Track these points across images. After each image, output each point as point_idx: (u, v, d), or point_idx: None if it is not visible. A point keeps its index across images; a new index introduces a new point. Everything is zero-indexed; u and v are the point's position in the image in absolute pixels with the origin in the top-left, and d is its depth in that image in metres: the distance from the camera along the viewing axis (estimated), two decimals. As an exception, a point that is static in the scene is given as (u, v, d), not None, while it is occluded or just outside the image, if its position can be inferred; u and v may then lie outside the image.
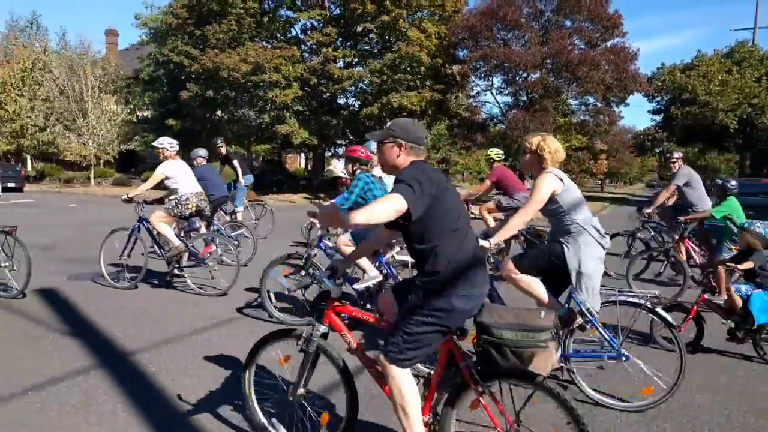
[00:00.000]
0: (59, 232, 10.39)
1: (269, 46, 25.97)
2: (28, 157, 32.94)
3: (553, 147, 3.69)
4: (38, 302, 5.64)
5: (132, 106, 30.85)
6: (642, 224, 8.29)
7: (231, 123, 26.80)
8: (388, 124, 2.67)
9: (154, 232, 6.48)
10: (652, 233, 8.50)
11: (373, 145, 6.16)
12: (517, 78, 24.90)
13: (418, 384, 2.50)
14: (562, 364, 3.63)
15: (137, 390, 3.54)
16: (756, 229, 4.65)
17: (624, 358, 3.48)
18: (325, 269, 2.95)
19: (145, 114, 31.28)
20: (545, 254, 3.72)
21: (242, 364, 2.94)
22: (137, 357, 4.12)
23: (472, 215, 6.91)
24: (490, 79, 26.18)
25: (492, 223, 7.33)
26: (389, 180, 5.75)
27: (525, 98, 25.38)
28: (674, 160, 7.57)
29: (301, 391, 2.77)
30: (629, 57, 23.77)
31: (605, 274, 6.85)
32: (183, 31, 25.91)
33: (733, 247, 6.11)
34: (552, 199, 3.60)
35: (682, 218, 7.05)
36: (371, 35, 27.39)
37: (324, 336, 2.72)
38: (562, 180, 3.62)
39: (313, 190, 28.50)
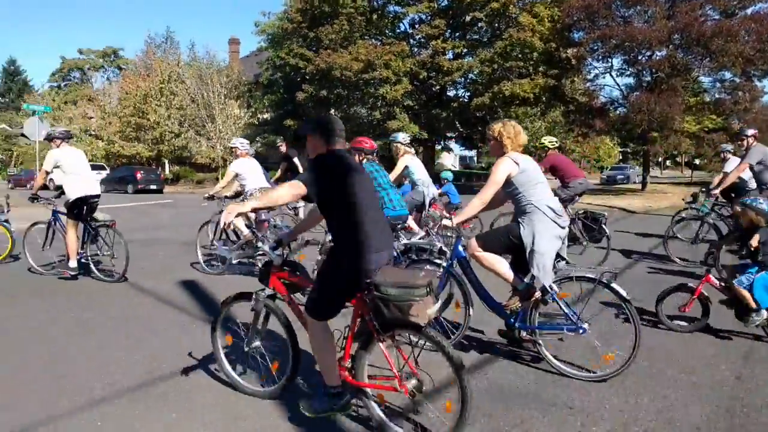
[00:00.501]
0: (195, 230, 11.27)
1: (379, 43, 26.40)
2: (166, 162, 36.20)
3: (512, 132, 3.93)
4: (182, 293, 6.14)
5: (253, 110, 32.84)
6: (711, 207, 7.77)
7: (344, 121, 27.37)
8: (312, 119, 3.19)
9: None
10: (721, 217, 7.95)
11: (400, 137, 6.92)
12: (639, 57, 23.13)
13: (341, 335, 2.97)
14: (526, 334, 3.89)
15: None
16: (759, 206, 4.53)
17: (581, 330, 3.64)
18: (272, 242, 3.36)
19: (265, 116, 33.15)
20: (506, 233, 3.97)
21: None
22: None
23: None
24: (609, 60, 24.55)
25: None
26: (417, 165, 6.83)
27: (649, 78, 23.50)
28: (746, 136, 7.21)
29: (256, 343, 3.33)
30: (775, 23, 21.24)
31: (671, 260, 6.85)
32: (297, 35, 27.07)
33: None
34: (508, 182, 3.84)
35: None
36: (480, 24, 26.88)
37: (271, 297, 3.23)
38: (518, 163, 3.83)
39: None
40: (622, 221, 13.25)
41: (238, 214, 2.84)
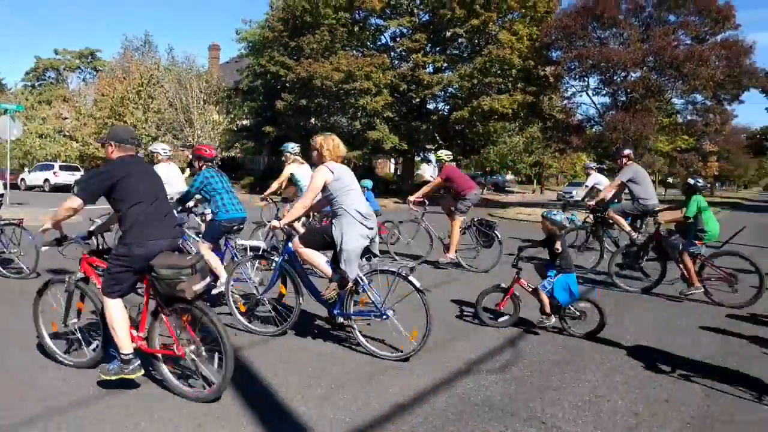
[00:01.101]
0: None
1: (360, 55, 26.54)
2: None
3: (331, 145, 4.51)
4: None
5: (232, 116, 32.64)
6: (587, 219, 9.09)
7: (324, 130, 27.47)
8: (109, 130, 3.81)
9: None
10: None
11: (290, 147, 7.93)
12: (615, 78, 23.72)
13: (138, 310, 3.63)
14: (344, 320, 4.52)
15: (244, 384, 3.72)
16: (553, 217, 5.17)
17: (385, 317, 4.29)
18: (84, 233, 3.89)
19: (244, 123, 32.99)
20: (322, 233, 4.59)
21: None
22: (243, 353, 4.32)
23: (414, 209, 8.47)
24: (586, 79, 25.14)
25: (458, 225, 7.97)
26: (303, 173, 7.59)
27: (624, 98, 24.10)
28: (621, 156, 7.96)
29: (73, 320, 3.87)
30: (743, 51, 22.00)
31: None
32: (279, 43, 27.07)
33: (697, 242, 6.33)
34: (325, 188, 4.43)
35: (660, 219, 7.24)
36: (461, 40, 27.24)
37: (84, 281, 3.75)
38: (333, 171, 4.40)
39: (403, 194, 28.68)
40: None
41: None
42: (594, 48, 22.56)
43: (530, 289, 5.14)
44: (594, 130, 26.01)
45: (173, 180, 7.48)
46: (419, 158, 35.37)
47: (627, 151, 7.94)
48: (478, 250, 8.07)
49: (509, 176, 52.99)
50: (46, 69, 57.64)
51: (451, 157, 8.44)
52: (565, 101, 27.21)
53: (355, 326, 4.47)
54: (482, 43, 26.24)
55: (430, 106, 29.13)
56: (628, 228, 7.60)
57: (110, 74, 37.22)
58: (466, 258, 8.12)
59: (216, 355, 3.42)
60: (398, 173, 38.12)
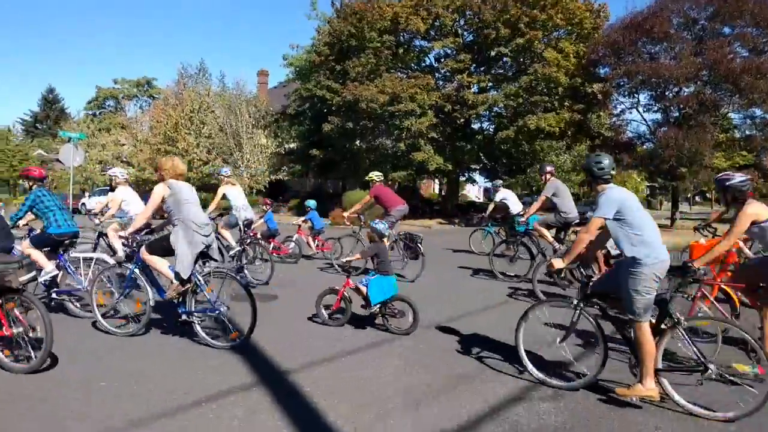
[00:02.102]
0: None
1: (405, 76, 26.76)
2: (194, 189, 36.85)
3: (170, 165, 5.34)
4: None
5: (280, 140, 33.35)
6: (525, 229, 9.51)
7: (369, 152, 27.86)
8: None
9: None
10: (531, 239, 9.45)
11: (223, 171, 9.49)
12: (666, 93, 23.02)
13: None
14: (186, 317, 5.21)
15: (295, 408, 3.74)
16: (375, 225, 6.14)
17: (218, 312, 5.07)
18: None
19: (291, 146, 33.65)
20: (165, 240, 5.21)
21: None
22: (292, 376, 4.35)
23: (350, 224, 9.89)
24: (636, 96, 24.50)
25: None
26: (235, 193, 9.10)
27: (677, 114, 23.32)
28: (545, 173, 8.70)
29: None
30: (805, 62, 21.01)
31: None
32: (325, 67, 27.62)
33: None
34: (164, 201, 5.17)
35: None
36: (505, 59, 27.13)
37: None
38: (170, 188, 5.16)
39: (447, 215, 28.54)
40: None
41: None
42: (644, 63, 21.98)
43: (353, 287, 5.86)
44: (645, 147, 25.23)
45: (131, 201, 8.42)
46: (464, 178, 35.17)
47: (549, 168, 8.72)
48: (405, 262, 9.20)
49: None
50: (106, 98, 60.59)
51: (381, 177, 9.74)
52: (614, 118, 26.55)
53: (196, 321, 5.21)
54: (527, 61, 26.05)
55: (475, 126, 29.00)
56: (551, 239, 8.36)
57: (165, 101, 38.80)
58: (395, 269, 8.65)
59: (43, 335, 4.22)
60: (442, 194, 37.94)
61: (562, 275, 7.45)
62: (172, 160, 5.42)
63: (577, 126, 25.31)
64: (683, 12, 22.20)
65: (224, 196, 9.02)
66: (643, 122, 25.41)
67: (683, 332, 3.85)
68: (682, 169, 22.68)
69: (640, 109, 24.89)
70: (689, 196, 60.42)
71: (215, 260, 5.49)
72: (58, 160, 32.54)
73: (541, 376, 4.31)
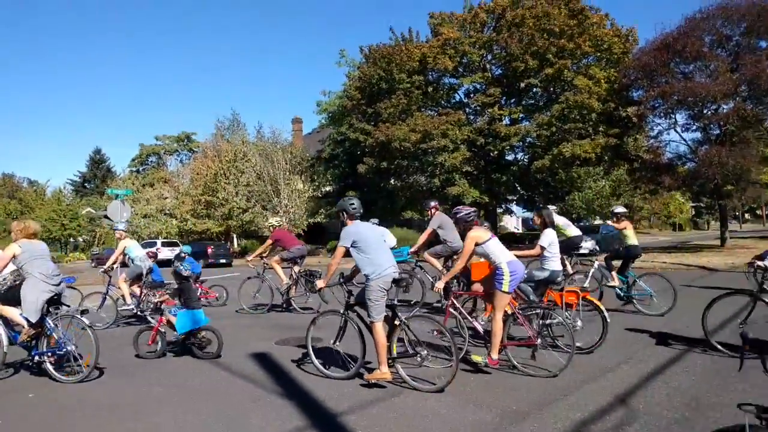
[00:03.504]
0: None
1: (436, 114, 27.10)
2: (235, 236, 37.63)
3: (21, 227, 6.02)
4: (254, 365, 6.22)
5: (316, 184, 33.91)
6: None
7: (404, 189, 28.06)
8: None
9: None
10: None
11: (120, 226, 10.07)
12: (705, 111, 22.55)
13: None
14: (38, 358, 5.77)
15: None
16: (175, 268, 6.82)
17: (65, 350, 5.64)
18: None
19: (327, 189, 34.16)
20: (11, 293, 5.93)
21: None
22: (344, 418, 4.31)
23: (268, 266, 10.47)
24: (672, 116, 24.05)
25: (281, 272, 10.05)
26: (134, 245, 9.61)
27: (718, 132, 22.77)
28: (429, 208, 9.24)
29: None
30: None
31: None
32: (357, 111, 28.24)
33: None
34: (14, 257, 5.78)
35: None
36: (535, 89, 27.24)
37: None
38: (20, 247, 5.79)
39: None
40: (700, 280, 12.48)
41: None
42: (678, 83, 21.66)
43: (165, 321, 6.51)
44: (687, 167, 24.63)
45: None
46: (501, 210, 34.94)
47: (433, 203, 9.22)
48: (307, 295, 9.91)
49: (597, 222, 50.96)
50: (148, 154, 62.99)
51: (281, 223, 10.98)
52: (652, 140, 26.07)
53: (46, 360, 5.72)
54: (558, 90, 26.07)
55: (509, 158, 28.95)
56: (440, 267, 8.95)
57: (203, 154, 40.10)
58: (298, 303, 10.00)
59: None
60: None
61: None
62: (24, 223, 6.12)
63: (613, 150, 24.97)
64: (715, 29, 21.92)
65: (126, 249, 9.49)
66: (683, 142, 24.87)
67: (408, 328, 5.08)
68: (728, 187, 21.99)
69: (678, 129, 24.39)
70: (738, 214, 58.28)
71: (66, 305, 6.20)
72: (105, 217, 33.84)
73: (323, 369, 5.50)
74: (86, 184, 62.76)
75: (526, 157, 28.26)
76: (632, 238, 8.73)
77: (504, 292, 5.35)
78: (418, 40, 28.30)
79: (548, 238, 6.29)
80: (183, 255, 11.03)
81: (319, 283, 5.49)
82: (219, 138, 39.25)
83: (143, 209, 37.90)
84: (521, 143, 27.29)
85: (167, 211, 38.33)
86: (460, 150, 25.01)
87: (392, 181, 28.75)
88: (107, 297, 9.56)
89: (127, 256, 9.57)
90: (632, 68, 23.18)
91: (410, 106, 26.22)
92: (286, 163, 32.22)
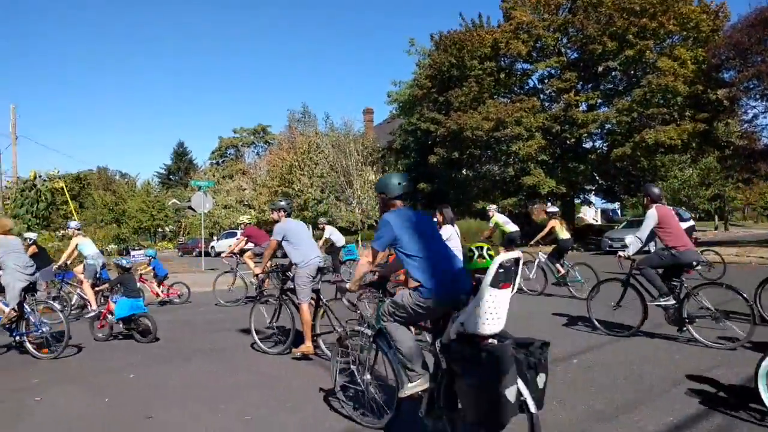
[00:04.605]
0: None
1: (509, 101, 26.47)
2: (310, 226, 38.58)
3: None
4: (278, 369, 5.90)
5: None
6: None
7: (477, 180, 27.65)
8: None
9: None
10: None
11: (72, 224, 10.00)
12: (808, 91, 20.74)
13: None
14: (18, 338, 6.83)
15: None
16: (116, 261, 8.29)
17: (40, 330, 6.68)
18: None
19: (399, 180, 34.24)
20: None
21: None
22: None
23: (242, 261, 11.11)
24: (770, 98, 22.27)
25: (253, 266, 10.37)
26: (86, 243, 9.60)
27: (822, 113, 20.91)
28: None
29: None
30: None
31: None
32: (428, 100, 28.04)
33: None
34: None
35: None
36: (614, 73, 25.98)
37: None
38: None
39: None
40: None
41: None
42: (776, 62, 20.02)
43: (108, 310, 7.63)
44: (787, 153, 22.75)
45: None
46: (578, 200, 33.72)
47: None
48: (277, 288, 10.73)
49: (684, 213, 48.14)
50: (227, 147, 65.66)
51: (252, 219, 11.58)
52: (746, 125, 24.25)
53: (25, 339, 6.72)
54: (639, 73, 24.71)
55: (587, 146, 27.80)
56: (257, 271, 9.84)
57: (278, 146, 41.25)
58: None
59: None
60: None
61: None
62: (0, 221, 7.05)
63: (702, 137, 23.41)
64: (820, 0, 20.06)
65: (78, 247, 9.58)
66: (782, 126, 22.94)
67: (329, 311, 5.96)
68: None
69: (777, 112, 22.56)
70: None
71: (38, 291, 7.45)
72: (190, 207, 35.58)
73: (263, 347, 6.42)
74: (171, 177, 66.26)
75: (605, 144, 27.02)
76: (562, 233, 10.18)
77: None
78: (489, 26, 27.65)
79: (446, 234, 6.79)
80: (150, 258, 11.96)
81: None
82: (293, 130, 40.23)
83: (224, 200, 39.58)
84: (599, 130, 26.12)
85: (246, 202, 39.87)
86: (535, 138, 24.30)
87: (464, 172, 28.39)
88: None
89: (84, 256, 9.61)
90: (723, 47, 21.62)
91: (482, 94, 25.72)
92: (358, 154, 32.57)
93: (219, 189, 41.01)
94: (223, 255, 11.76)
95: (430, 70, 28.03)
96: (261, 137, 64.53)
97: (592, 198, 34.17)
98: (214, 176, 44.50)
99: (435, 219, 7.17)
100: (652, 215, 6.37)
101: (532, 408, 2.83)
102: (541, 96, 27.33)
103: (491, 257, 3.59)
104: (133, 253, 28.16)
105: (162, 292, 11.46)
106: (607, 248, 20.55)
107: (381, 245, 3.71)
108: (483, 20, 28.00)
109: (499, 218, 11.46)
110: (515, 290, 3.16)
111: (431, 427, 3.42)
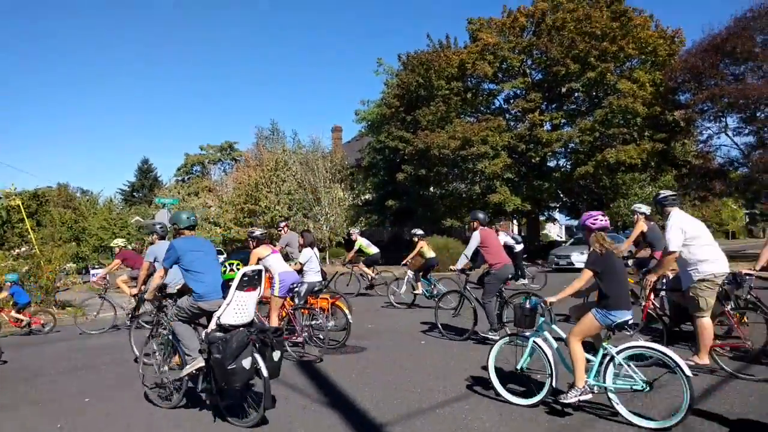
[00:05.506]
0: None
1: (475, 120, 26.89)
2: (277, 244, 38.15)
3: None
4: (298, 372, 6.17)
5: (356, 192, 34.07)
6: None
7: (444, 197, 27.89)
8: None
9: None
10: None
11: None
12: (758, 114, 21.71)
13: None
14: None
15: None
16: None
17: None
18: None
19: (367, 197, 34.30)
20: None
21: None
22: (388, 429, 4.29)
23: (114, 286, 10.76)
24: (723, 120, 23.24)
25: (127, 289, 9.88)
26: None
27: (772, 135, 21.88)
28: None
29: None
30: None
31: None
32: (396, 119, 28.27)
33: None
34: None
35: None
36: (577, 94, 26.74)
37: None
38: None
39: (529, 256, 27.77)
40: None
41: None
42: (728, 86, 20.94)
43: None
44: (739, 172, 23.70)
45: None
46: (543, 217, 34.36)
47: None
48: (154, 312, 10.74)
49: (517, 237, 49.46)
50: (193, 164, 64.67)
51: (125, 243, 11.28)
52: (701, 145, 25.24)
53: None
54: (601, 94, 25.52)
55: (551, 164, 28.43)
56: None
57: (245, 164, 40.85)
58: (144, 319, 9.05)
59: None
60: (522, 235, 37.13)
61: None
62: None
63: (660, 156, 24.26)
64: None
65: None
66: (734, 146, 23.95)
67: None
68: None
69: (730, 133, 23.54)
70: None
71: None
72: (153, 225, 34.76)
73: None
74: (135, 194, 64.80)
75: (569, 163, 27.71)
76: (429, 253, 11.54)
77: (276, 296, 6.98)
78: (456, 47, 28.18)
79: (305, 257, 8.00)
80: (7, 284, 10.89)
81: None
82: (260, 147, 39.95)
83: (188, 218, 38.76)
84: (563, 149, 26.79)
85: (211, 220, 39.22)
86: (501, 156, 24.71)
87: (432, 189, 28.62)
88: None
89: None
90: (679, 71, 22.56)
91: (449, 113, 26.09)
92: (327, 172, 32.52)
93: (184, 206, 40.26)
94: (92, 280, 11.12)
95: (398, 89, 28.32)
96: (228, 154, 63.84)
97: (557, 215, 34.88)
98: (179, 193, 43.71)
99: (300, 242, 8.81)
100: (475, 236, 7.48)
101: (264, 373, 4.20)
102: (507, 116, 27.88)
103: (238, 269, 4.96)
104: (93, 271, 27.44)
105: (23, 321, 10.50)
106: (554, 265, 20.72)
107: (168, 263, 4.98)
108: (450, 41, 28.55)
109: (362, 241, 13.37)
110: (261, 293, 4.80)
111: (206, 396, 4.71)
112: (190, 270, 4.86)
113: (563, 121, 26.69)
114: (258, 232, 7.65)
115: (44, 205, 41.53)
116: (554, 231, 50.57)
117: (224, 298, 4.63)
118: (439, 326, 8.06)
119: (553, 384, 4.42)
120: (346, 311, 7.67)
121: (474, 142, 24.03)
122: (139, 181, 66.26)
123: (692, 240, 5.44)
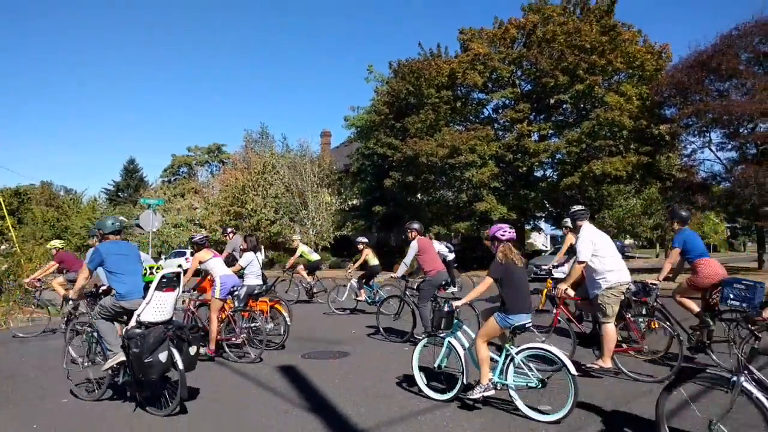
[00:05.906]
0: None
1: (463, 129, 27.01)
2: (262, 248, 38.00)
3: None
4: (281, 377, 6.26)
5: (343, 197, 34.05)
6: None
7: (431, 204, 27.97)
8: None
9: None
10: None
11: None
12: (741, 130, 22.03)
13: None
14: None
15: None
16: None
17: None
18: None
19: (354, 202, 34.29)
20: None
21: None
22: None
23: (49, 287, 10.60)
24: (707, 134, 23.54)
25: (62, 291, 9.58)
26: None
27: (754, 151, 22.20)
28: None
29: None
30: None
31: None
32: (385, 126, 28.33)
33: None
34: None
35: None
36: (565, 106, 26.99)
37: None
38: None
39: (515, 266, 27.88)
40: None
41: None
42: (713, 102, 21.24)
43: None
44: (722, 186, 24.02)
45: None
46: (529, 227, 34.53)
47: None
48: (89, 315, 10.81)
49: (628, 241, 49.98)
50: (180, 165, 64.25)
51: (63, 244, 10.89)
52: (685, 159, 25.54)
53: None
54: (588, 107, 25.79)
55: (538, 174, 28.64)
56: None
57: (233, 166, 40.70)
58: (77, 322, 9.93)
59: None
60: (454, 243, 37.32)
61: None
62: None
63: (645, 169, 24.50)
64: (752, 47, 21.48)
65: None
66: (717, 161, 24.28)
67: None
68: (766, 208, 21.38)
69: (713, 148, 23.86)
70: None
71: None
72: (138, 225, 34.50)
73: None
74: (120, 194, 64.14)
75: (555, 173, 27.92)
76: (373, 260, 11.80)
77: (217, 298, 7.17)
78: (446, 56, 28.34)
79: (246, 260, 8.21)
80: None
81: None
82: (248, 150, 39.84)
83: (174, 219, 38.58)
84: (550, 160, 26.99)
85: (197, 221, 38.96)
86: (488, 165, 24.84)
87: (419, 196, 28.70)
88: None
89: None
90: (665, 86, 22.84)
91: (438, 121, 26.20)
92: (314, 176, 32.52)
93: (170, 207, 39.97)
94: (26, 281, 10.68)
95: (387, 96, 28.39)
96: (216, 156, 63.54)
97: (542, 224, 35.11)
98: (165, 194, 43.36)
99: (242, 246, 9.05)
100: (413, 246, 8.14)
101: (180, 366, 4.66)
102: (495, 125, 28.04)
103: (157, 272, 5.27)
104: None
105: None
106: (533, 275, 20.78)
107: (93, 266, 5.36)
108: (441, 50, 28.70)
109: (303, 248, 13.98)
110: (182, 293, 5.33)
111: (128, 388, 5.10)
112: (113, 272, 5.30)
113: (551, 132, 26.92)
114: (198, 237, 7.94)
115: (26, 202, 41.04)
116: (539, 240, 50.88)
117: (144, 298, 5.06)
118: (381, 329, 8.62)
119: (464, 381, 4.85)
120: (285, 314, 7.97)
121: (462, 150, 24.14)
122: (124, 181, 65.60)
123: (600, 251, 5.93)
